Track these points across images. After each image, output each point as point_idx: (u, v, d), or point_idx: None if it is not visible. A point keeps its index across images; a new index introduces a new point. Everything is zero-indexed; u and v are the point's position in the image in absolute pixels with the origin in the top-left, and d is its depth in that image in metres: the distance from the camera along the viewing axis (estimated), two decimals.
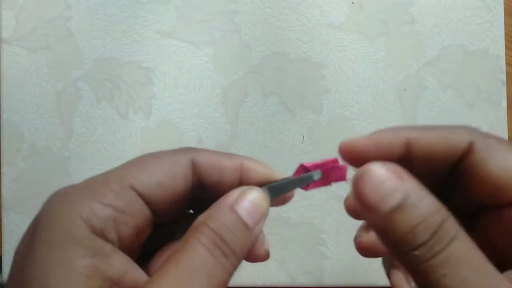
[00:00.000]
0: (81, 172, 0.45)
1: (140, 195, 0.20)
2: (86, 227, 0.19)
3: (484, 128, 0.46)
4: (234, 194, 0.21)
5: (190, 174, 0.22)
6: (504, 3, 0.46)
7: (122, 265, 0.19)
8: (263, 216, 0.21)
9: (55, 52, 0.46)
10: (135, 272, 0.20)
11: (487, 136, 0.20)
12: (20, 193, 0.45)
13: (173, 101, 0.46)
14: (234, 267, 0.20)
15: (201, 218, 0.20)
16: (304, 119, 0.45)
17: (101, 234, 0.19)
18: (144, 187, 0.20)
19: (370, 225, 0.19)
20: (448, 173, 0.21)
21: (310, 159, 0.46)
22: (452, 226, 0.18)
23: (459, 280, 0.17)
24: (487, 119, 0.46)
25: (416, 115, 0.45)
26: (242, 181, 0.22)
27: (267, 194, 0.22)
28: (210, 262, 0.19)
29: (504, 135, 0.45)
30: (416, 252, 0.17)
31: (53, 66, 0.46)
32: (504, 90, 0.46)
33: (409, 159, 0.20)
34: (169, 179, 0.21)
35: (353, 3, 0.46)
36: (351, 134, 0.45)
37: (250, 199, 0.21)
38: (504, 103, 0.46)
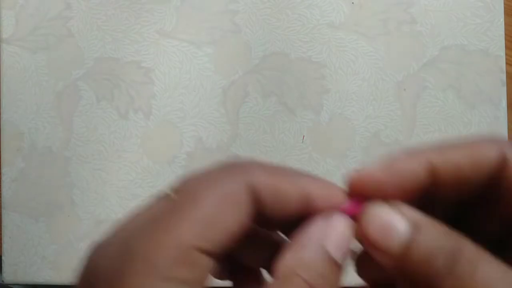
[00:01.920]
0: (81, 172, 0.45)
1: (205, 253, 0.17)
2: None
3: (484, 128, 0.46)
4: (319, 226, 0.19)
5: (250, 207, 0.18)
6: (504, 3, 0.46)
7: None
8: (349, 245, 0.19)
9: (55, 52, 0.46)
10: None
11: None
12: (20, 193, 0.45)
13: (173, 101, 0.46)
14: None
15: (289, 261, 0.18)
16: (304, 119, 0.45)
17: None
18: (208, 244, 0.17)
19: (388, 268, 0.18)
20: (477, 197, 0.18)
21: (310, 159, 0.46)
22: (473, 250, 0.16)
23: None
24: (487, 119, 0.46)
25: (416, 115, 0.45)
26: (308, 211, 0.19)
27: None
28: None
29: (504, 135, 0.45)
30: (448, 283, 0.16)
31: (53, 66, 0.46)
32: (504, 90, 0.46)
33: (434, 188, 0.18)
34: (236, 226, 0.18)
35: (353, 3, 0.46)
36: (351, 134, 0.45)
37: (339, 231, 0.19)
38: (504, 103, 0.46)
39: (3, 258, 0.45)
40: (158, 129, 0.45)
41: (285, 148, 0.45)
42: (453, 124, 0.45)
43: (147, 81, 0.46)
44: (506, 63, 0.46)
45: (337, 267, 0.18)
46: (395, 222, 0.17)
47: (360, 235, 0.18)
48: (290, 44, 0.46)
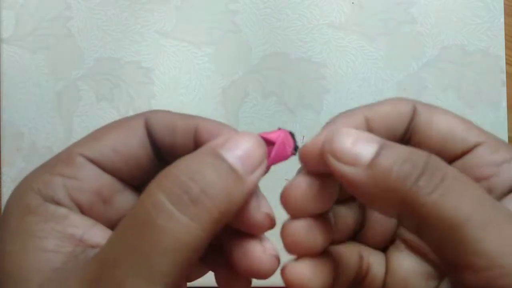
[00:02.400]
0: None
1: (91, 161, 0.20)
2: (37, 197, 0.19)
3: (484, 128, 0.45)
4: (219, 139, 0.19)
5: (146, 136, 0.21)
6: (504, 3, 0.46)
7: (82, 224, 0.19)
8: (259, 164, 0.18)
9: (55, 52, 0.46)
10: (99, 230, 0.20)
11: (422, 102, 0.22)
12: None
13: (173, 101, 0.46)
14: (213, 221, 0.17)
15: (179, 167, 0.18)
16: (304, 119, 0.45)
17: (52, 201, 0.19)
18: (94, 153, 0.20)
19: (349, 187, 0.18)
20: (403, 140, 0.22)
21: None
22: (439, 160, 0.18)
23: (466, 212, 0.17)
24: (487, 119, 0.46)
25: None
26: (197, 145, 0.20)
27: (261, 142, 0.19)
28: (171, 216, 0.16)
29: (504, 135, 0.45)
30: (421, 183, 0.17)
31: (53, 66, 0.46)
32: (504, 90, 0.46)
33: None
34: (121, 143, 0.21)
35: (353, 3, 0.46)
36: None
37: (242, 143, 0.18)
38: (504, 103, 0.46)
39: None
40: None
41: None
42: None
43: (147, 81, 0.46)
44: (506, 63, 0.46)
45: (235, 174, 0.18)
46: (365, 137, 0.18)
47: (328, 151, 0.18)
48: (290, 44, 0.46)
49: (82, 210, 0.20)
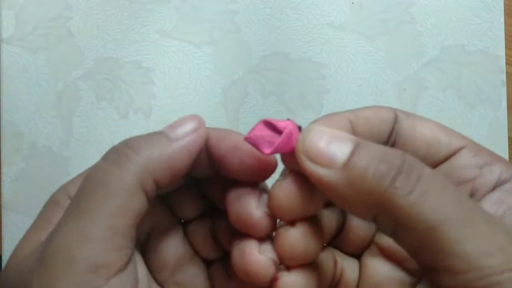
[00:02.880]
0: (81, 172, 0.45)
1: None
2: (64, 194, 0.24)
3: (484, 128, 0.46)
4: None
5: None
6: (504, 3, 0.46)
7: None
8: (190, 132, 0.21)
9: (55, 52, 0.46)
10: None
11: (402, 110, 0.22)
12: (20, 193, 0.45)
13: (173, 101, 0.46)
14: (139, 169, 0.19)
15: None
16: (304, 119, 0.45)
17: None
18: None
19: (324, 190, 0.18)
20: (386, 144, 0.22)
21: None
22: (415, 160, 0.18)
23: (444, 213, 0.16)
24: (487, 119, 0.46)
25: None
26: (209, 153, 0.22)
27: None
28: (106, 167, 0.20)
29: (504, 135, 0.45)
30: (397, 184, 0.17)
31: (53, 66, 0.46)
32: (504, 90, 0.46)
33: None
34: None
35: (353, 3, 0.46)
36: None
37: (178, 120, 0.22)
38: (504, 103, 0.46)
39: (3, 258, 0.45)
40: (158, 129, 0.45)
41: None
42: (453, 124, 0.45)
43: (147, 81, 0.46)
44: (506, 63, 0.46)
45: (161, 133, 0.22)
46: (339, 136, 0.18)
47: (301, 150, 0.18)
48: (290, 44, 0.46)
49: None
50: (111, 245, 0.18)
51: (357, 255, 0.24)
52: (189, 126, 0.21)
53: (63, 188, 0.23)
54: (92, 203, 0.19)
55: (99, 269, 0.18)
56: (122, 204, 0.19)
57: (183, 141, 0.21)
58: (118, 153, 0.20)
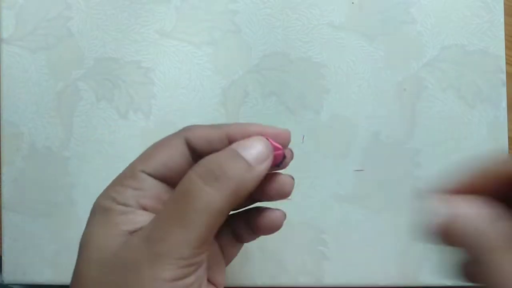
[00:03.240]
0: (81, 172, 0.45)
1: (150, 175, 0.27)
2: (112, 201, 0.27)
3: (484, 128, 0.46)
4: (238, 142, 0.26)
5: (187, 150, 0.28)
6: (504, 3, 0.46)
7: (142, 217, 0.26)
8: (265, 159, 0.26)
9: (55, 52, 0.46)
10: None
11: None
12: (20, 193, 0.45)
13: (173, 101, 0.46)
14: (232, 193, 0.24)
15: (207, 160, 0.26)
16: (304, 119, 0.45)
17: (123, 204, 0.27)
18: (150, 169, 0.27)
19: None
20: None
21: (310, 159, 0.46)
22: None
23: None
24: (487, 119, 0.46)
25: (416, 115, 0.45)
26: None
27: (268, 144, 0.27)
28: (202, 187, 0.24)
29: (504, 135, 0.45)
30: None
31: (53, 66, 0.46)
32: (504, 90, 0.46)
33: None
34: (169, 159, 0.28)
35: (353, 3, 0.46)
36: (351, 134, 0.45)
37: (254, 144, 0.26)
38: (504, 103, 0.46)
39: (3, 258, 0.45)
40: (158, 129, 0.45)
41: None
42: (453, 124, 0.45)
43: (147, 81, 0.46)
44: (506, 63, 0.46)
45: (245, 161, 0.25)
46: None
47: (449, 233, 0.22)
48: (290, 44, 0.46)
49: (148, 210, 0.27)
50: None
51: None
52: (264, 154, 0.26)
53: (108, 196, 0.28)
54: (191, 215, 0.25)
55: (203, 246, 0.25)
56: (210, 219, 0.24)
57: (261, 169, 0.26)
58: (216, 178, 0.25)
